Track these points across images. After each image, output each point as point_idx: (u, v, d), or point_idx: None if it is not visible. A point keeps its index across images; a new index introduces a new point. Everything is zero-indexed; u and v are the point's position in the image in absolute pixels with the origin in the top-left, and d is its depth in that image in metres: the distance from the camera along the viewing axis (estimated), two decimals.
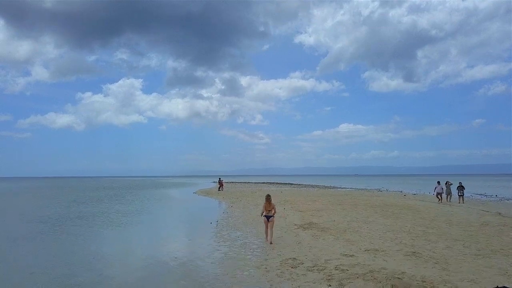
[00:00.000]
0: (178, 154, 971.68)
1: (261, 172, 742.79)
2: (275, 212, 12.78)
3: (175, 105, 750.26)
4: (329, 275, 8.12)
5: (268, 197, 12.85)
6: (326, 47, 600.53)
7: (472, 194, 37.44)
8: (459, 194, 26.95)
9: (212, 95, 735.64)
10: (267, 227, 12.68)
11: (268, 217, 12.60)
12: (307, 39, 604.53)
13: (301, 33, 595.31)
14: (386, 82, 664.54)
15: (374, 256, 9.83)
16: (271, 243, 12.13)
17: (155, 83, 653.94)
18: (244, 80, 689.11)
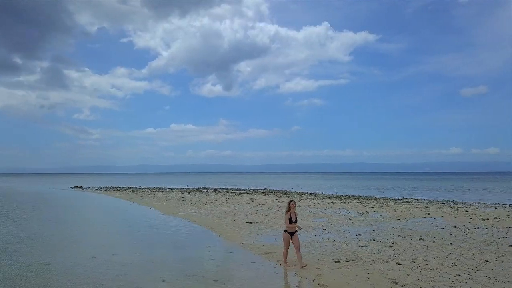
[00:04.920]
0: None
1: (90, 169, 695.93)
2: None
3: None
4: None
5: (292, 204, 10.11)
6: (157, 50, 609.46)
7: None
8: None
9: (31, 86, 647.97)
10: (288, 247, 10.11)
11: (292, 233, 10.06)
12: (140, 40, 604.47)
13: (135, 34, 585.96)
14: (211, 88, 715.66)
15: None
16: (303, 266, 9.71)
17: None
18: (70, 73, 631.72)
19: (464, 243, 13.00)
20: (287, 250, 10.19)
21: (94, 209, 28.16)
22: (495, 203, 28.91)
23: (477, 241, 13.37)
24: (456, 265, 9.93)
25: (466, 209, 24.14)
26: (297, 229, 10.24)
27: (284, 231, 9.99)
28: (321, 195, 39.18)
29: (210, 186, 62.57)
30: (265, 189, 52.04)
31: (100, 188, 57.28)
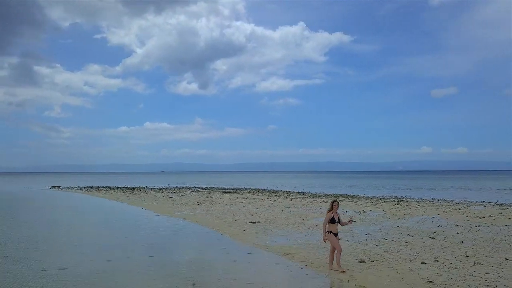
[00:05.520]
0: None
1: (62, 169, 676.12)
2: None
3: None
4: None
5: (335, 205, 9.77)
6: (131, 47, 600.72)
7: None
8: None
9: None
10: (334, 249, 9.72)
11: (335, 234, 9.73)
12: (114, 37, 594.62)
13: (109, 31, 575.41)
14: (187, 86, 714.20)
15: None
16: (343, 271, 9.42)
17: None
18: (40, 69, 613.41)
19: (474, 241, 13.27)
20: (333, 253, 9.82)
21: (87, 211, 27.28)
22: (481, 202, 29.79)
23: (485, 239, 13.69)
24: (480, 264, 10.10)
25: (457, 207, 24.76)
26: (351, 221, 10.14)
27: (329, 232, 9.69)
28: (309, 194, 39.37)
29: (193, 186, 61.88)
30: (251, 188, 51.91)
31: (80, 188, 55.70)
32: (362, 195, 37.97)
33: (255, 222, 18.21)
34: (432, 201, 30.57)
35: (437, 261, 10.48)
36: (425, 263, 10.20)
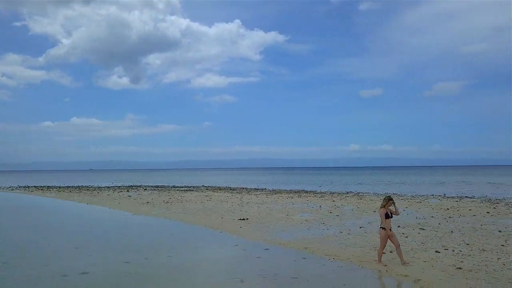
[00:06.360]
0: None
1: None
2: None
3: None
4: None
5: (390, 201, 9.88)
6: (56, 38, 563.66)
7: None
8: None
9: None
10: (385, 245, 9.91)
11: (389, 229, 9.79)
12: (36, 26, 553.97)
13: (30, 19, 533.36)
14: (117, 80, 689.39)
15: None
16: (405, 262, 9.72)
17: None
18: None
19: (461, 231, 14.57)
20: (383, 248, 10.06)
21: (55, 212, 25.25)
22: (431, 195, 32.42)
23: (468, 228, 15.07)
24: (485, 250, 11.20)
25: (416, 200, 26.76)
26: (394, 210, 10.02)
27: (382, 228, 9.86)
28: (268, 191, 39.96)
29: (140, 184, 59.65)
30: (204, 186, 51.38)
31: (14, 188, 51.20)
32: (319, 191, 39.37)
33: (244, 219, 18.25)
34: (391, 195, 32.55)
35: (447, 249, 11.42)
36: (439, 252, 11.08)
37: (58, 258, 11.28)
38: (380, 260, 10.01)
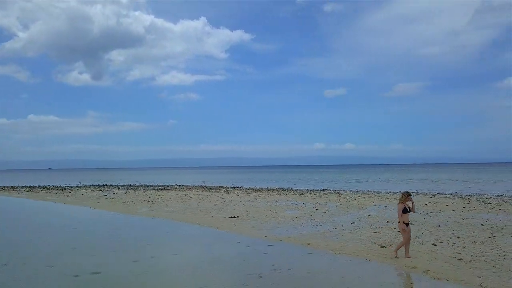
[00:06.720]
0: None
1: None
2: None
3: None
4: None
5: (409, 197, 10.48)
6: (12, 31, 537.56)
7: None
8: None
9: None
10: (408, 236, 10.33)
11: (407, 224, 10.35)
12: None
13: None
14: (78, 76, 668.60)
15: None
16: (409, 256, 10.23)
17: None
18: None
19: (447, 225, 15.39)
20: (409, 241, 10.36)
21: (34, 213, 24.24)
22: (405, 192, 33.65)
23: (452, 222, 15.93)
24: (477, 242, 11.95)
25: (394, 197, 27.75)
26: (411, 206, 10.53)
27: (404, 223, 10.25)
28: (245, 189, 40.11)
29: (110, 184, 58.11)
30: (177, 185, 50.85)
31: None
32: (296, 188, 40.00)
33: (235, 217, 18.38)
34: (366, 192, 33.66)
35: (441, 242, 12.09)
36: (435, 245, 11.72)
37: (60, 258, 11.01)
38: (408, 254, 10.25)
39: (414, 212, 10.82)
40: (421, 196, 28.30)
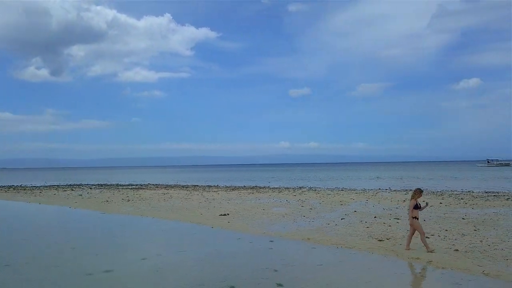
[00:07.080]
0: None
1: None
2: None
3: None
4: None
5: (420, 193, 11.22)
6: None
7: None
8: None
9: None
10: (422, 230, 10.84)
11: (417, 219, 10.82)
12: None
13: None
14: (35, 72, 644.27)
15: None
16: (409, 248, 10.86)
17: None
18: None
19: (431, 219, 16.22)
20: (424, 235, 10.82)
21: (15, 215, 23.21)
22: (378, 188, 34.97)
23: (435, 218, 16.74)
24: (465, 235, 12.77)
25: (371, 194, 28.79)
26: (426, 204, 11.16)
27: (414, 217, 10.69)
28: (223, 187, 40.14)
29: (80, 183, 56.30)
30: (150, 184, 50.09)
31: None
32: (272, 186, 40.45)
33: (225, 215, 18.52)
34: (343, 189, 34.57)
35: (433, 235, 12.81)
36: (428, 237, 12.35)
37: (63, 258, 10.82)
38: (428, 248, 10.58)
39: (422, 209, 11.30)
40: (396, 193, 29.47)
